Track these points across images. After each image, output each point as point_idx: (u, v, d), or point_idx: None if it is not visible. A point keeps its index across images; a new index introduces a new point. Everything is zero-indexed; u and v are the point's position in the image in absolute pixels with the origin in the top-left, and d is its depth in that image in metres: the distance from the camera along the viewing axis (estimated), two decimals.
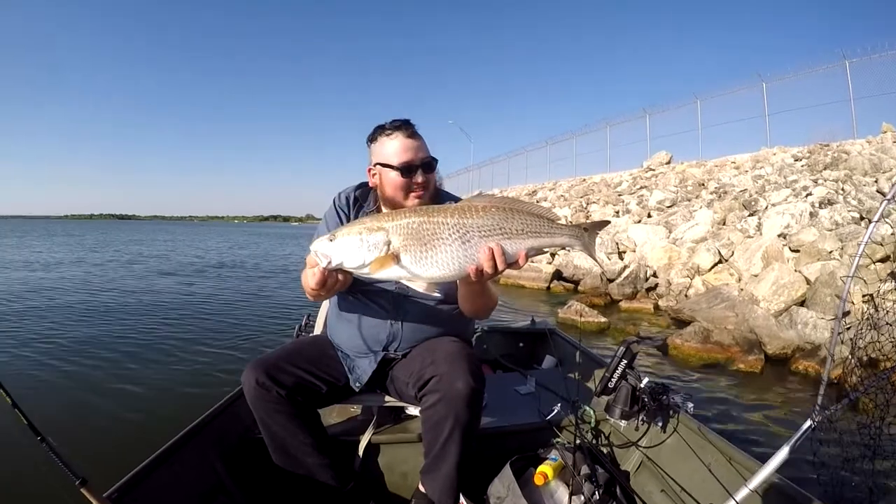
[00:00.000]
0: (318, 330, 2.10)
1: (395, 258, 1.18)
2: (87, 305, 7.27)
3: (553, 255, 9.92)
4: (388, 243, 1.18)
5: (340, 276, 1.29)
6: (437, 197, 1.61)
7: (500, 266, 1.18)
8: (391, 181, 1.51)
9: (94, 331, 5.67)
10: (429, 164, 1.52)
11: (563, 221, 1.26)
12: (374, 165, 1.54)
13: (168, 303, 7.69)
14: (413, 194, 1.51)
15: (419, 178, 1.49)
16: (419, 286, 1.23)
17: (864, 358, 1.33)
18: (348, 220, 1.62)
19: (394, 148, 1.50)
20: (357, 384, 1.58)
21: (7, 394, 1.17)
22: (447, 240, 1.17)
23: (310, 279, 1.29)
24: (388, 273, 1.20)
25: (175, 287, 9.56)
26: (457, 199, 1.64)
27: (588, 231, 1.31)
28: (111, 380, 4.04)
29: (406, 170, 1.48)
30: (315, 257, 1.24)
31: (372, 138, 1.56)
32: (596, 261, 1.47)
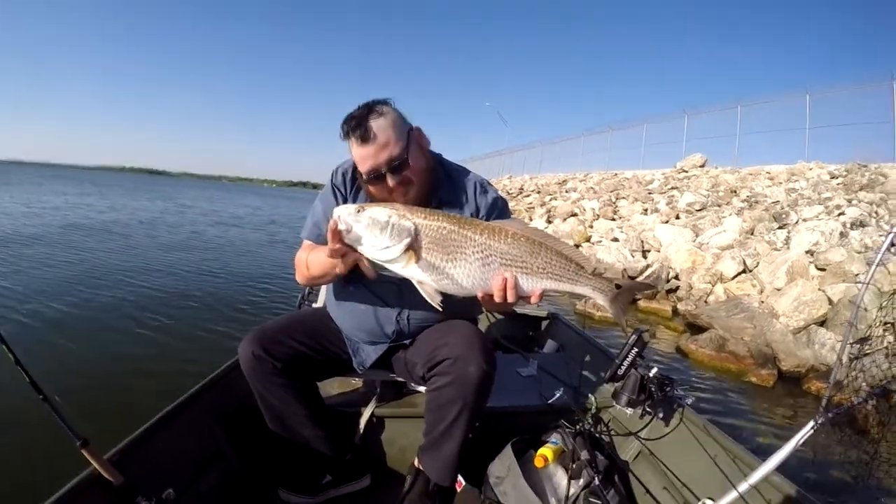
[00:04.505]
0: (320, 301, 2.02)
1: (415, 256, 1.14)
2: (100, 262, 7.07)
3: (577, 245, 10.02)
4: (414, 238, 1.13)
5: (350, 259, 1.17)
6: (437, 172, 1.46)
7: (511, 298, 1.15)
8: (370, 187, 1.39)
9: (104, 290, 5.53)
10: (398, 165, 1.30)
11: (591, 271, 1.22)
12: None
13: (182, 265, 7.56)
14: (397, 196, 1.34)
15: (390, 183, 1.31)
16: (425, 291, 1.18)
17: (877, 388, 1.34)
18: (345, 201, 1.46)
19: (356, 155, 1.33)
20: (360, 368, 1.55)
21: (10, 350, 1.15)
22: (469, 257, 1.15)
23: (328, 244, 1.15)
24: (405, 270, 1.16)
25: (191, 249, 9.33)
26: (466, 172, 1.52)
27: (622, 289, 1.23)
28: (117, 340, 4.00)
29: (374, 179, 1.33)
30: (337, 221, 1.14)
31: None
32: (622, 324, 1.32)
